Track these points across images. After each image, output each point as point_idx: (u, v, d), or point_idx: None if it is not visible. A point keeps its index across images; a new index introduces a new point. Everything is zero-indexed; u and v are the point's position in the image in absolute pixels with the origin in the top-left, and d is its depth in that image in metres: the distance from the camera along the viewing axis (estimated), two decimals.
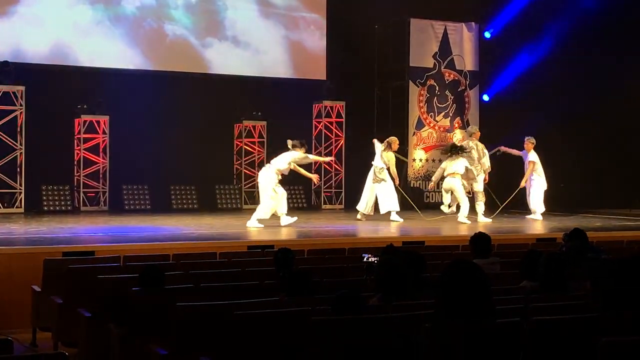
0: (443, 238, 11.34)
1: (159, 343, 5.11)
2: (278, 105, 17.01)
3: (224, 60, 16.66)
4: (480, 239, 6.89)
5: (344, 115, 17.45)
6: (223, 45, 16.70)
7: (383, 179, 13.48)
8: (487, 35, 18.25)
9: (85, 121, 15.54)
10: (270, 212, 12.48)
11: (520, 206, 14.90)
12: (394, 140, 13.84)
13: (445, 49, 17.78)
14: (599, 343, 3.24)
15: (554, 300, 4.71)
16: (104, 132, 15.63)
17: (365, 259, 6.67)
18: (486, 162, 14.15)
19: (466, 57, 17.94)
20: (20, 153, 14.78)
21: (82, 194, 15.47)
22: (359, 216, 13.68)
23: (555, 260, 5.16)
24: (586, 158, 16.79)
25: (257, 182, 13.31)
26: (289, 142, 12.81)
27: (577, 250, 6.72)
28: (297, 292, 5.28)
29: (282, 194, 12.56)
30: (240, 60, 16.80)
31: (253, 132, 17.02)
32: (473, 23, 18.03)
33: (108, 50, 15.73)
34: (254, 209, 16.52)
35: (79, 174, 15.54)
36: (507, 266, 7.02)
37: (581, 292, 5.08)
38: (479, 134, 14.48)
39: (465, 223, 13.03)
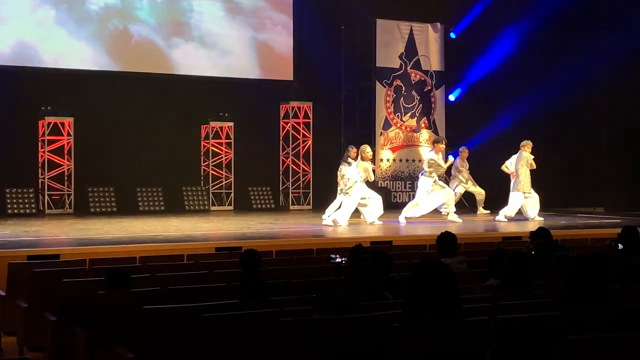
0: (411, 238, 11.40)
1: (126, 346, 5.07)
2: (245, 106, 16.97)
3: (190, 61, 16.57)
4: (446, 238, 6.92)
5: (311, 116, 17.46)
6: (189, 45, 16.61)
7: (347, 193, 13.02)
8: (453, 35, 18.37)
9: (49, 123, 15.37)
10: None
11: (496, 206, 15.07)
12: (363, 149, 13.25)
13: (411, 49, 17.87)
14: (561, 341, 3.27)
15: (521, 298, 4.75)
16: (68, 134, 15.47)
17: (333, 260, 6.67)
18: None
19: (432, 57, 18.04)
20: None
21: (46, 197, 15.30)
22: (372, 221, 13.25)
23: (519, 258, 5.21)
24: (551, 157, 16.96)
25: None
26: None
27: (543, 248, 6.78)
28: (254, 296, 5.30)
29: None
30: (206, 60, 16.73)
31: (220, 133, 16.96)
32: (438, 24, 18.13)
33: (72, 51, 15.57)
34: (221, 211, 16.57)
35: (43, 176, 15.36)
36: (473, 265, 7.07)
37: (547, 290, 5.13)
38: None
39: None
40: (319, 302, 4.44)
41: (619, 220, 13.57)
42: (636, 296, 4.79)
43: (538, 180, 16.65)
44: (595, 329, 3.59)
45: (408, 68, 17.86)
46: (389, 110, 17.67)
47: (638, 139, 15.58)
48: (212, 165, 16.93)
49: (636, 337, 3.42)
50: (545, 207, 15.96)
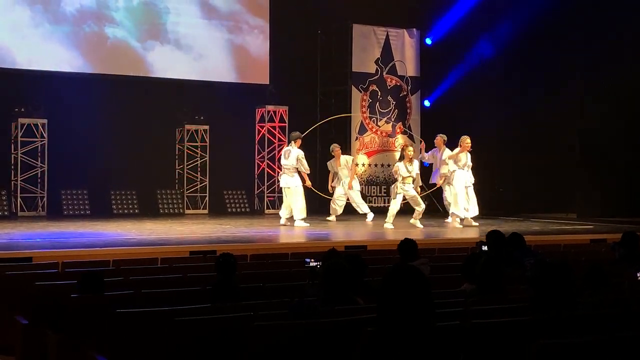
0: (385, 242, 11.41)
1: (98, 350, 5.04)
2: (221, 109, 16.93)
3: (165, 63, 16.50)
4: (406, 245, 6.94)
5: (286, 120, 17.45)
6: (165, 48, 16.55)
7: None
8: (428, 41, 18.46)
9: (23, 124, 15.23)
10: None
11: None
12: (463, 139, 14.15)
13: (387, 54, 17.94)
14: (532, 345, 3.30)
15: (493, 303, 4.78)
16: (42, 136, 15.35)
17: (308, 264, 6.66)
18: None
19: (408, 63, 18.12)
20: None
21: (19, 199, 15.16)
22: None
23: (492, 263, 5.24)
24: (524, 162, 17.09)
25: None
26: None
27: (512, 252, 6.85)
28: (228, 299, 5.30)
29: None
30: (182, 63, 16.67)
31: (195, 136, 16.90)
32: (414, 29, 18.22)
33: (47, 53, 15.45)
34: (196, 214, 16.50)
35: (16, 178, 15.22)
36: (447, 269, 7.10)
37: (519, 295, 5.17)
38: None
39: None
40: (290, 309, 4.47)
41: (591, 227, 13.70)
42: (602, 301, 4.87)
43: (513, 185, 16.78)
44: (564, 334, 3.63)
45: (384, 73, 17.92)
46: (365, 115, 17.72)
47: (610, 146, 15.74)
48: (186, 169, 16.86)
49: (602, 340, 3.46)
50: (519, 212, 16.08)
